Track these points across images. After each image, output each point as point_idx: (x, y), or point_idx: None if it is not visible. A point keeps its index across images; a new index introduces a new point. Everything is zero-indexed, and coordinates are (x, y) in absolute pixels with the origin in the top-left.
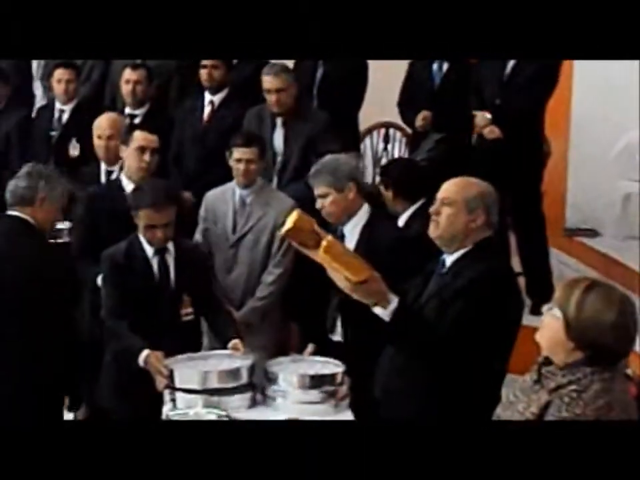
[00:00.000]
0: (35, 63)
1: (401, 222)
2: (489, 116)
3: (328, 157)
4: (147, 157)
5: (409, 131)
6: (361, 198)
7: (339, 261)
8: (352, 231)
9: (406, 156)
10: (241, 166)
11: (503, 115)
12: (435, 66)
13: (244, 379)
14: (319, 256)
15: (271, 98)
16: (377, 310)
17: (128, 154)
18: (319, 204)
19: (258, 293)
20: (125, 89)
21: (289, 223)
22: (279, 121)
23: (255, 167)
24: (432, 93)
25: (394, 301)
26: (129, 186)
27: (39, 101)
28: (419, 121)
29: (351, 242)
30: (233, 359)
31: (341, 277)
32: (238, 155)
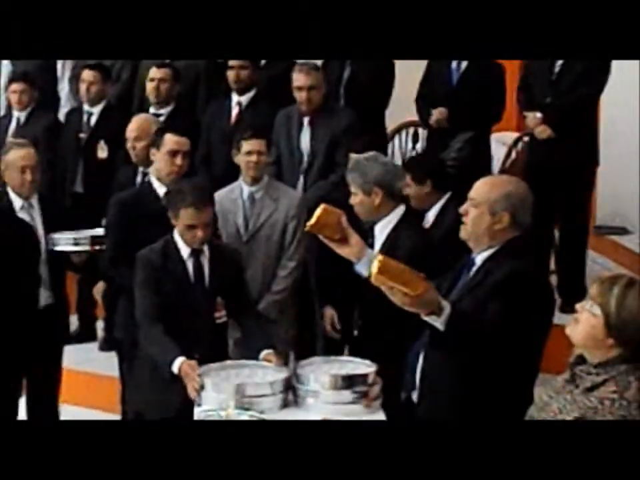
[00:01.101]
0: (59, 64)
1: (431, 217)
2: (539, 115)
3: (363, 156)
4: (178, 160)
5: None
6: (391, 201)
7: (395, 279)
8: (381, 231)
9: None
10: (253, 158)
11: (553, 114)
12: (454, 64)
13: (278, 391)
14: (373, 278)
15: (301, 95)
16: (430, 319)
17: (159, 157)
18: (351, 200)
19: (274, 287)
20: (149, 86)
21: (314, 217)
22: (305, 120)
23: (265, 159)
24: (449, 91)
25: (447, 308)
26: (160, 189)
27: (64, 103)
28: (434, 117)
29: (378, 241)
30: (266, 370)
31: (397, 293)
32: (248, 147)
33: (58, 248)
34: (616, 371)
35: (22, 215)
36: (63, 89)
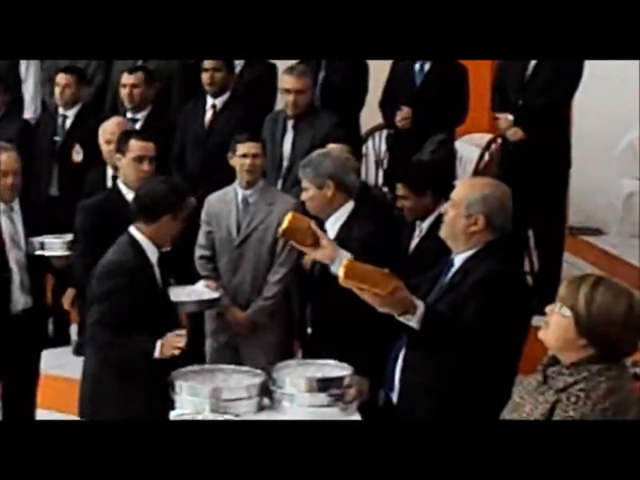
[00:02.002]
0: (23, 66)
1: (425, 227)
2: (511, 117)
3: (316, 152)
4: (145, 166)
5: None
6: (342, 196)
7: (364, 280)
8: (332, 227)
9: (387, 155)
10: (248, 160)
11: (525, 116)
12: (417, 66)
13: (254, 394)
14: (342, 282)
15: (288, 98)
16: (403, 318)
17: (125, 163)
18: (302, 196)
19: (265, 293)
20: (123, 92)
21: (285, 223)
22: (289, 124)
23: (260, 161)
24: (413, 92)
25: (420, 307)
26: (128, 194)
27: (28, 105)
28: (398, 119)
29: (330, 236)
30: (242, 374)
31: (368, 294)
32: (244, 150)
33: (42, 252)
34: (587, 371)
35: (3, 218)
36: (27, 90)
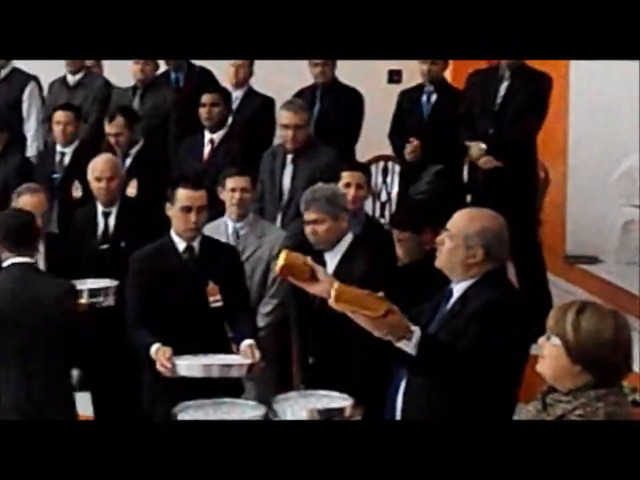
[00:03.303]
0: (25, 105)
1: None
2: (483, 146)
3: (322, 185)
4: (192, 217)
5: None
6: (346, 227)
7: (354, 304)
8: (332, 259)
9: (396, 188)
10: (237, 194)
11: (497, 145)
12: (424, 97)
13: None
14: (333, 305)
15: (287, 134)
16: (401, 344)
17: (174, 213)
18: (310, 229)
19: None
20: (110, 140)
21: (281, 260)
22: (288, 158)
23: (249, 196)
24: (421, 123)
25: (416, 332)
26: (180, 244)
27: (30, 143)
28: (408, 151)
29: (329, 268)
30: (244, 407)
31: (360, 317)
32: (232, 184)
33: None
34: (586, 397)
35: None
36: (29, 129)
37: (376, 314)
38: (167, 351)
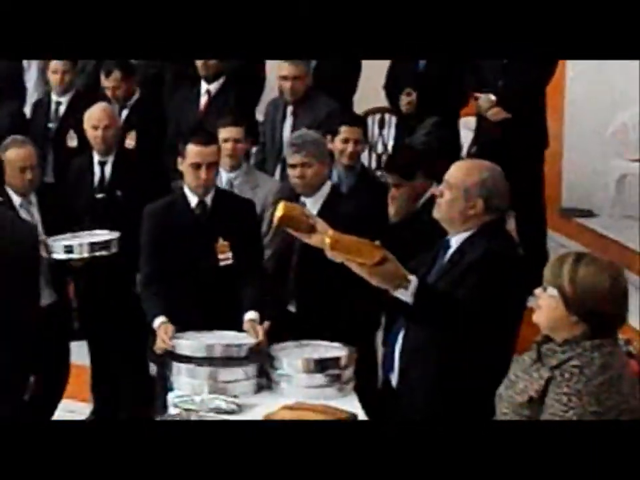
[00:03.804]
0: None
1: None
2: (493, 97)
3: (307, 130)
4: (203, 173)
5: None
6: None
7: (349, 251)
8: (314, 204)
9: (392, 139)
10: (229, 145)
11: (507, 97)
12: None
13: (251, 375)
14: (328, 254)
15: (285, 85)
16: (398, 293)
17: (184, 169)
18: (296, 172)
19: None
20: (107, 92)
21: (279, 211)
22: (289, 109)
23: (242, 146)
24: (416, 75)
25: (413, 281)
26: (193, 199)
27: (31, 93)
28: (403, 103)
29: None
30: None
31: (355, 265)
32: (225, 135)
33: (54, 256)
34: (581, 347)
35: (21, 212)
36: (30, 78)
37: (371, 261)
38: (170, 329)
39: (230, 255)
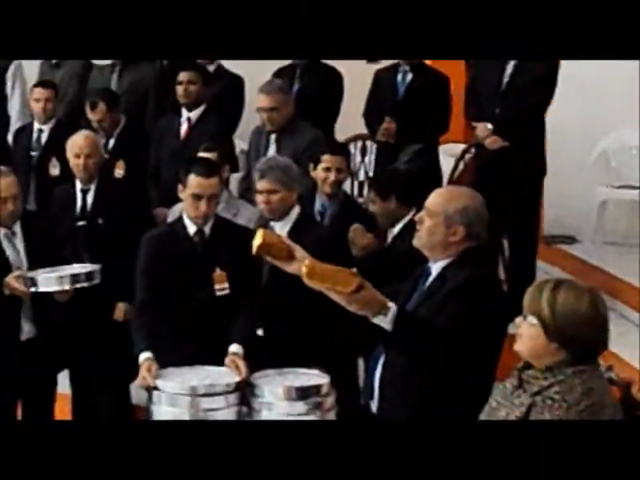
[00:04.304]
0: (9, 83)
1: (395, 231)
2: (490, 126)
3: (276, 156)
4: (203, 205)
5: None
6: (296, 201)
7: (325, 280)
8: (282, 229)
9: (372, 167)
10: None
11: (505, 125)
12: (400, 76)
13: (232, 403)
14: (305, 281)
15: (262, 116)
16: (377, 320)
17: (184, 197)
18: (263, 198)
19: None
20: (91, 119)
21: (258, 239)
22: (272, 137)
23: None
24: (396, 103)
25: (392, 308)
26: (191, 227)
27: (14, 121)
28: (382, 128)
29: None
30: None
31: (334, 293)
32: None
33: (35, 289)
34: (563, 374)
35: (5, 244)
36: (14, 107)
37: (347, 289)
38: (153, 367)
39: (227, 285)
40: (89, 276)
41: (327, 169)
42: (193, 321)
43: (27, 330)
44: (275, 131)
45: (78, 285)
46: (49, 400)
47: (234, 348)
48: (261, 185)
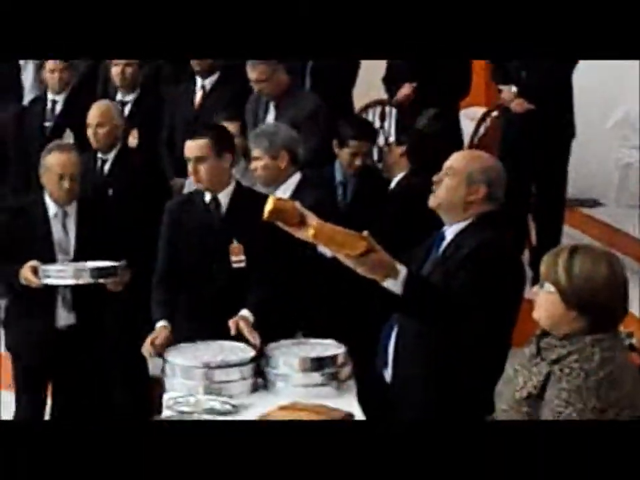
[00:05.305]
0: None
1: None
2: (515, 89)
3: (269, 123)
4: (190, 167)
5: None
6: (292, 167)
7: (333, 242)
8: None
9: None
10: None
11: (529, 87)
12: None
13: (247, 375)
14: (311, 237)
15: (255, 87)
16: (387, 283)
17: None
18: (252, 165)
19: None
20: (114, 73)
21: (269, 205)
22: (271, 104)
23: (239, 141)
24: (416, 67)
25: (402, 271)
26: (207, 195)
27: (28, 92)
28: (402, 93)
29: None
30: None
31: (342, 255)
32: None
33: (49, 281)
34: (582, 342)
35: (54, 223)
36: (27, 77)
37: (355, 252)
38: (164, 334)
39: (243, 257)
40: (106, 271)
41: (354, 154)
42: (209, 292)
43: (64, 317)
44: (271, 99)
45: (93, 281)
46: (81, 392)
47: (243, 312)
48: (253, 152)
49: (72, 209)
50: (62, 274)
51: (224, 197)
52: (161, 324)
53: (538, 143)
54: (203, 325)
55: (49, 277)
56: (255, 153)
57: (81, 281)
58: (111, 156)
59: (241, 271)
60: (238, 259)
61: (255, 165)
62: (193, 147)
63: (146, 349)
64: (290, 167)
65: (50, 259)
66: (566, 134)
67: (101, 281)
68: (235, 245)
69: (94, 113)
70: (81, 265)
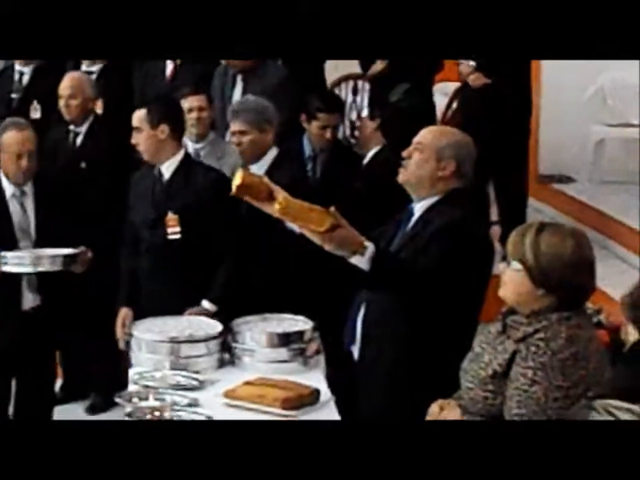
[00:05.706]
0: None
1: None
2: (472, 63)
3: (251, 97)
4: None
5: None
6: (272, 142)
7: (299, 217)
8: (258, 172)
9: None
10: (194, 115)
11: (487, 62)
12: None
13: (214, 350)
14: (277, 212)
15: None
16: (354, 260)
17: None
18: (235, 139)
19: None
20: None
21: (237, 179)
22: (239, 77)
23: (207, 114)
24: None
25: (370, 247)
26: (156, 168)
27: None
28: (375, 67)
29: None
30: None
31: (308, 231)
32: (188, 104)
33: (6, 268)
34: (547, 320)
35: (12, 204)
36: None
37: (321, 228)
38: (126, 316)
39: (178, 229)
40: (65, 259)
41: (323, 127)
42: (149, 263)
43: (30, 298)
44: (242, 70)
45: (51, 269)
46: (49, 375)
47: (203, 303)
48: (233, 125)
49: (29, 188)
50: (20, 261)
51: (166, 168)
52: (124, 309)
53: (495, 118)
54: (150, 295)
55: (6, 264)
56: (240, 127)
57: (39, 269)
58: (83, 128)
59: (177, 242)
60: (173, 230)
61: (238, 139)
62: (133, 118)
63: (119, 336)
64: (271, 141)
65: (10, 241)
66: (523, 109)
67: (61, 268)
68: (171, 216)
69: (66, 84)
70: (39, 251)
